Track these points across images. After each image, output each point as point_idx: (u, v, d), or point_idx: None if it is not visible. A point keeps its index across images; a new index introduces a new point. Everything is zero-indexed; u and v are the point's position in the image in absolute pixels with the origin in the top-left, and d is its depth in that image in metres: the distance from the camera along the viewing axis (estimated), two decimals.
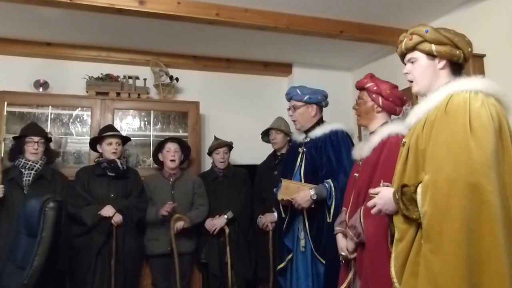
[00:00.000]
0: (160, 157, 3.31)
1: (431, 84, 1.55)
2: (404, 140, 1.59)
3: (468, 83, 1.44)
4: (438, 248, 1.29)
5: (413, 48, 1.57)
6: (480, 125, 1.32)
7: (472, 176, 1.27)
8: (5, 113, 2.94)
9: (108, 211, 2.88)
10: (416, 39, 1.55)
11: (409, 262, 1.40)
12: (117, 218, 2.89)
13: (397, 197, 1.43)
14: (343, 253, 2.02)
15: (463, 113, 1.35)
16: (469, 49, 1.55)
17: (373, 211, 1.56)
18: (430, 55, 1.54)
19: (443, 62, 1.53)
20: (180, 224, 3.06)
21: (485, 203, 1.26)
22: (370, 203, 1.58)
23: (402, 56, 1.65)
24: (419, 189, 1.38)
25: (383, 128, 2.02)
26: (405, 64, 1.64)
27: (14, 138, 2.94)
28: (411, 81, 1.61)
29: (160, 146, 3.30)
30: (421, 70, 1.56)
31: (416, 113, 1.54)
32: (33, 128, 2.98)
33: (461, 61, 1.54)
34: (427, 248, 1.33)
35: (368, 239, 1.83)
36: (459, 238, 1.26)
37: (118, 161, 3.03)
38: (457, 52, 1.51)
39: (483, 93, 1.39)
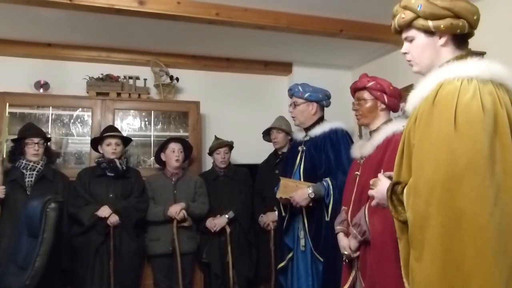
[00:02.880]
0: (163, 157, 3.30)
1: (433, 62, 1.35)
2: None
3: (462, 68, 1.24)
4: (420, 256, 1.19)
5: (408, 25, 1.36)
6: (467, 121, 1.14)
7: (451, 181, 1.11)
8: (7, 114, 2.93)
9: (104, 211, 2.88)
10: (409, 16, 1.33)
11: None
12: (113, 219, 2.89)
13: (388, 195, 1.32)
14: (346, 252, 1.99)
15: (450, 107, 1.16)
16: (474, 17, 1.31)
17: (373, 203, 1.52)
18: (428, 32, 1.33)
19: (444, 38, 1.32)
20: (181, 214, 3.06)
21: (466, 213, 1.10)
22: (369, 193, 1.53)
23: (398, 33, 1.44)
24: (404, 191, 1.25)
25: (388, 126, 2.00)
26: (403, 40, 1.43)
27: (13, 140, 2.93)
28: (410, 61, 1.42)
29: (163, 146, 3.30)
30: (420, 50, 1.36)
31: (412, 101, 1.36)
32: (32, 129, 2.99)
33: (467, 31, 1.32)
34: (412, 255, 1.24)
35: (374, 237, 1.80)
36: (438, 249, 1.14)
37: (117, 161, 3.03)
38: (460, 23, 1.29)
39: (479, 80, 1.20)
